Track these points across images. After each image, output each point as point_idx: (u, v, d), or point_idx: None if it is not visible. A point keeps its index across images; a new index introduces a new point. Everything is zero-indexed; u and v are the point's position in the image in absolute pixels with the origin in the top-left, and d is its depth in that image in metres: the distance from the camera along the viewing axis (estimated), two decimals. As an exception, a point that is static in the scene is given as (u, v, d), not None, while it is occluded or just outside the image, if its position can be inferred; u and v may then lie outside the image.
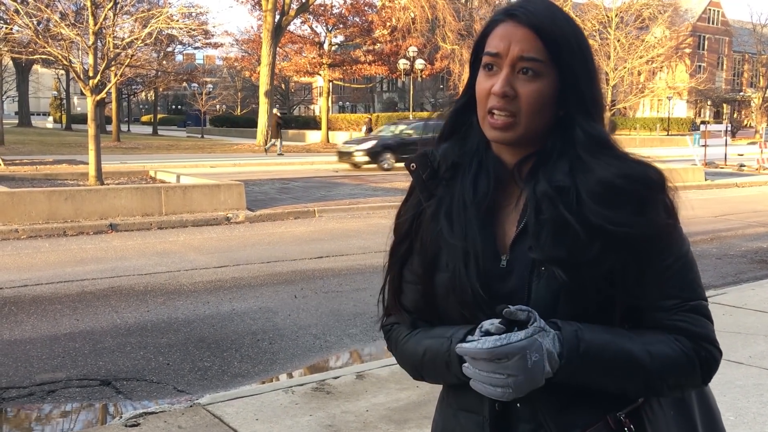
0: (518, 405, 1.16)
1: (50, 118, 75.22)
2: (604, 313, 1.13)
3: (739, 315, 5.53)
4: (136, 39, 14.26)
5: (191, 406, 3.95)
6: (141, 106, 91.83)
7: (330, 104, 43.95)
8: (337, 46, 43.34)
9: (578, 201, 1.11)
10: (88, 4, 12.87)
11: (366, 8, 40.58)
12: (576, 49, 1.16)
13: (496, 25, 1.18)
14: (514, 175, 1.20)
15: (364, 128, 33.11)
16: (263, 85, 33.25)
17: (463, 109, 1.26)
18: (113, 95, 39.61)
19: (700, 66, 59.36)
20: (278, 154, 28.08)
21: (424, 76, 38.14)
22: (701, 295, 1.18)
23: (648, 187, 1.13)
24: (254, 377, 4.78)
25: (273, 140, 29.16)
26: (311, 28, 41.13)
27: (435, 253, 1.21)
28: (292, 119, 56.31)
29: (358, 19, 40.38)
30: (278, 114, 31.91)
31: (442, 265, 1.20)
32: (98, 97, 13.35)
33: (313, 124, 49.80)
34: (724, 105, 62.27)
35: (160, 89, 54.60)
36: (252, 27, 52.32)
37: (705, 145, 22.26)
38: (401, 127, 23.18)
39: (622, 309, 1.14)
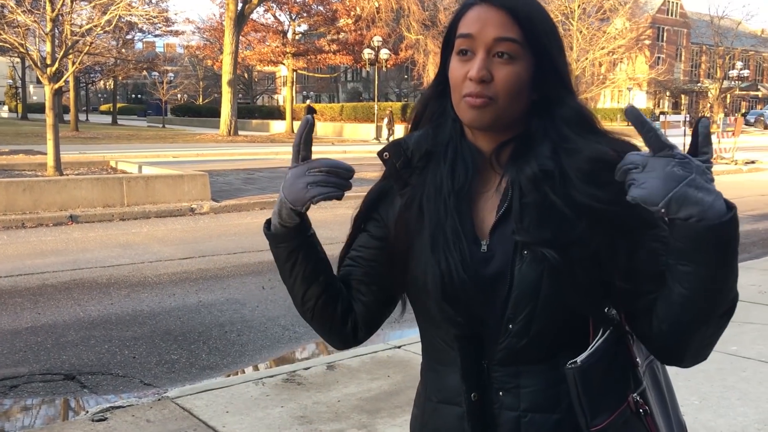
0: (500, 393, 1.15)
1: (5, 108, 73.15)
2: (591, 297, 1.11)
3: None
4: (95, 26, 13.92)
5: (159, 400, 3.90)
6: (99, 95, 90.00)
7: (294, 94, 43.58)
8: (300, 35, 42.98)
9: (564, 182, 1.10)
10: (45, -11, 12.53)
11: (330, -3, 40.32)
12: (549, 29, 1.16)
13: (468, 9, 1.16)
14: (492, 161, 1.19)
15: (385, 120, 32.56)
16: (226, 74, 32.82)
17: (435, 97, 1.25)
18: (71, 84, 38.65)
19: (659, 57, 60.38)
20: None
21: (388, 66, 38.02)
22: None
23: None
24: (223, 369, 4.73)
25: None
26: (274, 16, 40.74)
27: (410, 242, 1.20)
28: (255, 109, 55.75)
29: (322, 8, 40.10)
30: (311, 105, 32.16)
31: (417, 254, 1.19)
32: (56, 86, 13.01)
33: (277, 113, 49.36)
34: (683, 96, 63.49)
35: (120, 78, 53.45)
36: (214, 15, 51.55)
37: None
38: None
39: (621, 291, 1.11)
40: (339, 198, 1.16)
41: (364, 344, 4.64)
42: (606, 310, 1.14)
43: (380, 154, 1.25)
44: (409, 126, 1.29)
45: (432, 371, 1.26)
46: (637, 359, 1.20)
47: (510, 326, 1.13)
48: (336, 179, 1.17)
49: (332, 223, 10.46)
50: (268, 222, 1.26)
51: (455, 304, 1.14)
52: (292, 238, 1.23)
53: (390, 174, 1.25)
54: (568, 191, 1.10)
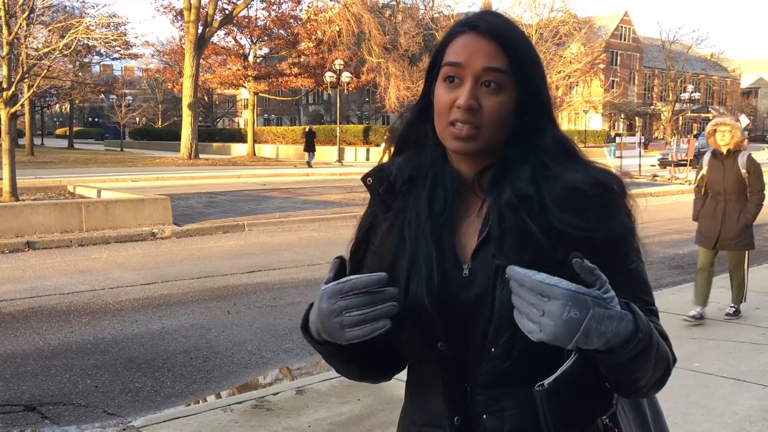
0: (485, 417, 1.15)
1: (-44, 131, 71.07)
2: None
3: (662, 319, 5.76)
4: (54, 49, 13.72)
5: (124, 430, 3.81)
6: (55, 119, 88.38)
7: (255, 117, 43.43)
8: (262, 58, 42.96)
9: (542, 208, 1.12)
10: (1, 13, 12.31)
11: (291, 21, 40.41)
12: (534, 59, 1.18)
13: (456, 36, 1.17)
14: (474, 185, 1.20)
15: (383, 145, 32.65)
16: (186, 98, 32.56)
17: (417, 120, 1.25)
18: (26, 107, 37.82)
19: (613, 81, 61.89)
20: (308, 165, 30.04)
21: (350, 89, 38.26)
22: (653, 298, 1.22)
23: (612, 192, 1.15)
24: (189, 397, 4.64)
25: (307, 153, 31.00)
26: (235, 39, 40.62)
27: (391, 267, 1.20)
28: (216, 132, 55.34)
29: (283, 32, 40.14)
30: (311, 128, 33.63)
31: (398, 279, 1.18)
32: (12, 110, 12.76)
33: (238, 137, 49.09)
34: (637, 118, 65.12)
35: (76, 101, 52.61)
36: (174, 38, 51.15)
37: (621, 157, 23.18)
38: None
39: None
40: (383, 331, 1.09)
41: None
42: None
43: (363, 179, 1.25)
44: (392, 149, 1.30)
45: (415, 394, 1.26)
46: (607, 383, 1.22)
47: (492, 349, 1.13)
48: (374, 310, 1.08)
49: (297, 246, 10.48)
50: (306, 325, 1.18)
51: (441, 327, 1.15)
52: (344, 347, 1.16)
53: (373, 199, 1.25)
54: (546, 217, 1.11)
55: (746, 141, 5.92)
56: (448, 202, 1.19)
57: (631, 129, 62.04)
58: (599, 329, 1.00)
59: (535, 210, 1.12)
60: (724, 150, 5.65)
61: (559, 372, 1.11)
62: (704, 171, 5.92)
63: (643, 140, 30.05)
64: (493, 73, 1.13)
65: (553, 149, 1.17)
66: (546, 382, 1.10)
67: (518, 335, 1.11)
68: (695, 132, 59.95)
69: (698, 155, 6.76)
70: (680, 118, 59.65)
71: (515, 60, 1.14)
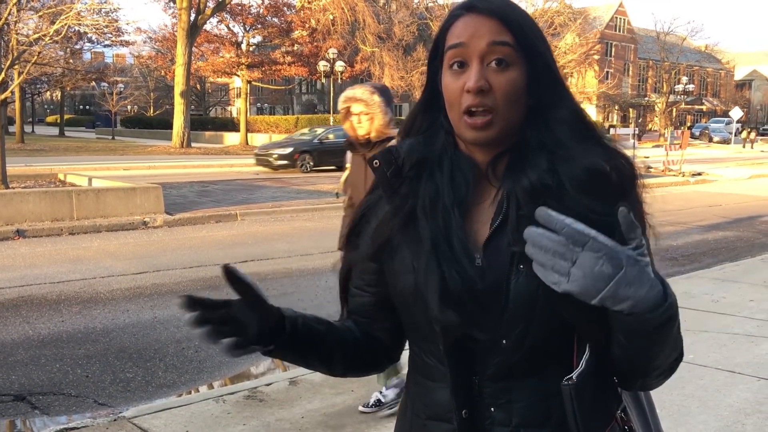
0: (492, 409, 1.13)
1: (-54, 118, 70.42)
2: (585, 311, 1.07)
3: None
4: (44, 36, 13.58)
5: (115, 420, 3.77)
6: (46, 107, 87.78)
7: (248, 105, 43.22)
8: (255, 46, 42.71)
9: (560, 193, 1.08)
10: (-9, -3, 12.17)
11: (285, 9, 40.18)
12: (539, 33, 1.15)
13: (455, 19, 1.13)
14: (488, 173, 1.16)
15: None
16: (179, 86, 32.36)
17: (422, 111, 1.22)
18: (16, 94, 37.53)
19: (608, 72, 61.87)
20: None
21: (344, 78, 38.07)
22: None
23: (628, 177, 1.12)
24: (180, 387, 4.61)
25: None
26: (228, 27, 40.39)
27: (391, 252, 1.17)
28: (208, 121, 55.07)
29: (276, 20, 39.92)
30: None
31: (408, 267, 1.15)
32: (2, 97, 12.63)
33: (231, 125, 48.82)
34: (631, 109, 65.16)
35: (67, 89, 52.17)
36: (166, 25, 50.80)
37: (615, 148, 23.11)
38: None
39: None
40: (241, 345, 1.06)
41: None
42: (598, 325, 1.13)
43: (370, 161, 1.21)
44: (400, 135, 1.26)
45: (419, 386, 1.22)
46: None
47: (504, 341, 1.10)
48: (223, 328, 1.04)
49: (290, 236, 10.42)
50: None
51: (453, 318, 1.11)
52: (286, 347, 1.16)
53: (380, 182, 1.21)
54: (564, 202, 1.07)
55: (393, 125, 3.52)
56: (470, 188, 1.15)
57: (625, 120, 62.03)
58: (628, 290, 0.96)
59: (553, 196, 1.08)
60: (363, 140, 3.58)
61: (582, 366, 1.10)
62: (347, 173, 3.81)
63: (637, 132, 30.10)
64: (500, 47, 1.09)
65: (570, 120, 1.13)
66: (574, 375, 1.09)
67: (531, 327, 1.09)
68: (689, 124, 60.18)
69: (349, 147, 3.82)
70: (674, 109, 59.76)
71: (519, 34, 1.10)
